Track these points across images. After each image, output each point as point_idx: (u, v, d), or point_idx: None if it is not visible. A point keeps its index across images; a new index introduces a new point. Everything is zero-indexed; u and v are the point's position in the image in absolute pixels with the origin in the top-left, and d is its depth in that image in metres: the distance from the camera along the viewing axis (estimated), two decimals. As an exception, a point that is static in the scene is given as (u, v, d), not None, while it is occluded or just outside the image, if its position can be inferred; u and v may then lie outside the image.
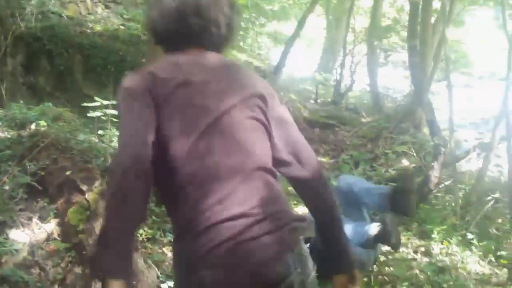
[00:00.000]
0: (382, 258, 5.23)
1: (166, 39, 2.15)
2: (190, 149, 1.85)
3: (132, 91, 1.91)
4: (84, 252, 3.80)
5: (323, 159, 8.93)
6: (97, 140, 5.48)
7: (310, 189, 2.07)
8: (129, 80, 1.95)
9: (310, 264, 1.94)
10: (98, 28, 9.77)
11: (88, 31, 9.46)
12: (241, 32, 17.70)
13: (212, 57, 2.10)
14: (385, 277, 4.86)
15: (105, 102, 5.20)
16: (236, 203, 1.83)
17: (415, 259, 5.32)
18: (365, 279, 4.44)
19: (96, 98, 5.24)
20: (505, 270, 5.19)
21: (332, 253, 2.06)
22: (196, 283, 1.80)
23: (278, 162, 2.05)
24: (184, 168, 1.85)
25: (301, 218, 1.98)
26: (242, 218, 1.81)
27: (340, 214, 2.09)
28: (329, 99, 13.43)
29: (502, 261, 5.42)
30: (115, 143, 5.75)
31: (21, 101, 5.92)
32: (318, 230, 2.06)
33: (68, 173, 4.35)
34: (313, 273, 1.94)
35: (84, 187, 4.21)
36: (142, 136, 1.82)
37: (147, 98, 1.88)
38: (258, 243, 1.79)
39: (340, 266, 2.07)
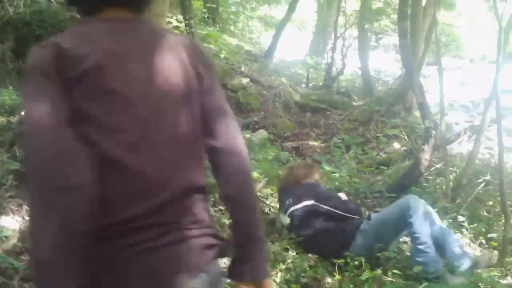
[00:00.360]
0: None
1: (81, 6, 1.86)
2: (102, 154, 1.57)
3: (37, 65, 1.60)
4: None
5: (315, 143, 8.93)
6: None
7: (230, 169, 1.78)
8: (32, 55, 1.64)
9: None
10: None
11: (78, 16, 9.37)
12: (232, 16, 17.66)
13: (133, 25, 1.78)
14: (378, 260, 4.88)
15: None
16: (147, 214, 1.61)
17: (406, 242, 5.33)
18: (356, 263, 4.45)
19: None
20: (496, 252, 5.21)
21: (242, 256, 1.76)
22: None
23: (209, 149, 1.80)
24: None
25: (221, 238, 1.80)
26: (151, 227, 1.61)
27: (259, 214, 1.82)
28: (320, 83, 13.40)
29: (492, 243, 5.44)
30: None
31: (11, 87, 5.87)
32: (232, 227, 1.81)
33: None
34: None
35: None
36: (57, 116, 1.52)
37: (54, 73, 1.57)
38: (164, 254, 1.60)
39: (250, 272, 1.75)
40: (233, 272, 1.77)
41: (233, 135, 1.80)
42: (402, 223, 4.64)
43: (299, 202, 5.06)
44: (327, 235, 4.82)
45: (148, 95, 1.67)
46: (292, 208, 5.08)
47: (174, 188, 1.67)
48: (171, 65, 1.73)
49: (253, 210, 1.79)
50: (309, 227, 4.91)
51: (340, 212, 4.98)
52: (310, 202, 5.04)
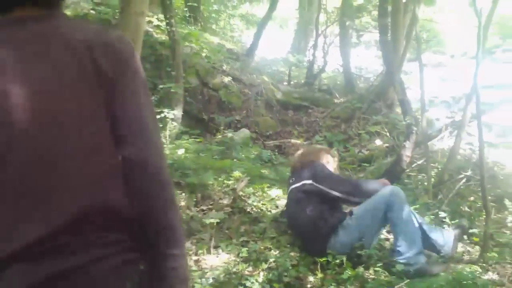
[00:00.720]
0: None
1: None
2: None
3: None
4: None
5: (297, 141, 8.93)
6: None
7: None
8: None
9: None
10: (68, 12, 9.61)
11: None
12: (213, 15, 17.62)
13: (24, 26, 1.53)
14: (359, 258, 4.88)
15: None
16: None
17: (387, 239, 5.34)
18: (338, 261, 4.45)
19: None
20: (477, 247, 5.23)
21: (156, 274, 1.58)
22: None
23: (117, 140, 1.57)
24: None
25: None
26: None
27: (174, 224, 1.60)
28: (302, 81, 13.43)
29: (474, 238, 5.45)
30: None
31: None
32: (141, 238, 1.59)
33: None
34: None
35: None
36: None
37: None
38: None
39: None
40: None
41: (143, 147, 1.57)
42: (383, 215, 4.66)
43: (299, 181, 5.05)
44: (312, 220, 4.79)
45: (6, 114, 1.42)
46: (292, 187, 5.08)
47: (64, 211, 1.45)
48: (48, 75, 1.48)
49: (161, 232, 1.58)
50: (301, 208, 4.90)
51: (335, 194, 4.94)
52: (308, 182, 5.02)
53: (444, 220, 5.62)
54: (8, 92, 1.43)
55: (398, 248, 4.53)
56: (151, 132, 1.60)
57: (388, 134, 8.71)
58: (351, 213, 4.83)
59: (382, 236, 5.31)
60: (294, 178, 5.16)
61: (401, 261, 4.44)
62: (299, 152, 5.64)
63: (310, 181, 5.01)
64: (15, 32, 1.51)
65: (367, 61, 16.24)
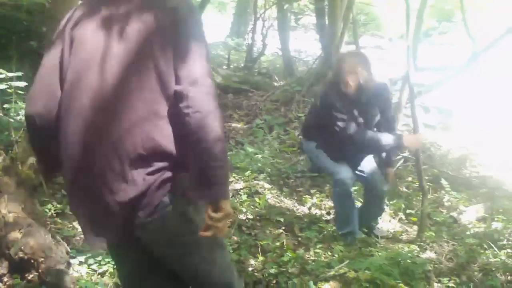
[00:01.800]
0: (296, 222, 5.29)
1: None
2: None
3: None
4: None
5: (238, 125, 8.90)
6: (1, 114, 5.26)
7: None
8: None
9: None
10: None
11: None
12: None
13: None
14: (299, 240, 4.91)
15: (10, 74, 4.93)
16: None
17: (328, 221, 5.38)
18: (278, 244, 4.46)
19: (0, 70, 4.98)
20: (415, 227, 5.33)
21: (197, 182, 2.13)
22: None
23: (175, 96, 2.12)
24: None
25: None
26: None
27: (214, 149, 2.08)
28: (242, 64, 13.38)
29: (412, 218, 5.56)
30: (21, 117, 5.54)
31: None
32: (191, 160, 2.13)
33: (-32, 149, 4.16)
34: None
35: (-13, 164, 4.03)
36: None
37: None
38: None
39: (206, 195, 2.14)
40: (194, 195, 2.18)
41: (192, 76, 2.11)
42: None
43: None
44: None
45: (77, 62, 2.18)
46: None
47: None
48: (135, 31, 2.12)
49: (210, 144, 2.06)
50: None
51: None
52: None
53: (383, 201, 5.70)
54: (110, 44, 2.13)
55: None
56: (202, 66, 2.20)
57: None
58: None
59: (324, 218, 5.36)
60: None
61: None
62: None
63: None
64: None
65: (306, 44, 16.29)
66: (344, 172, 4.78)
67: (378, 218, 5.25)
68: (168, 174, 2.17)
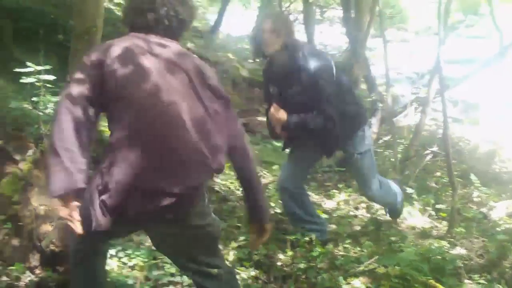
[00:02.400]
0: (324, 216, 5.27)
1: (132, 29, 2.74)
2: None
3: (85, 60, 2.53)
4: (20, 223, 3.68)
5: (264, 119, 8.87)
6: (30, 108, 5.29)
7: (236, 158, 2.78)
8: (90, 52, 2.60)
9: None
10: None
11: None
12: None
13: (163, 42, 2.67)
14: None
15: (38, 68, 4.94)
16: None
17: (356, 216, 5.36)
18: (307, 239, 4.44)
19: (28, 64, 4.99)
20: (445, 222, 5.28)
21: (249, 206, 2.87)
22: None
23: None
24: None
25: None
26: None
27: (258, 181, 2.88)
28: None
29: (441, 214, 5.51)
30: (50, 110, 5.57)
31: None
32: (243, 189, 2.88)
33: (-1, 142, 4.19)
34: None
35: (17, 157, 4.06)
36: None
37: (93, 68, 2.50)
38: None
39: (254, 217, 2.87)
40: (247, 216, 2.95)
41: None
42: None
43: None
44: None
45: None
46: None
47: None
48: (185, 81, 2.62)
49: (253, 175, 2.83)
50: None
51: None
52: None
53: (411, 196, 5.66)
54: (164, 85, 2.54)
55: None
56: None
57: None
58: None
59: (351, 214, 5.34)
60: None
61: None
62: None
63: None
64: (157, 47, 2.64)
65: (331, 37, 16.21)
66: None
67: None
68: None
